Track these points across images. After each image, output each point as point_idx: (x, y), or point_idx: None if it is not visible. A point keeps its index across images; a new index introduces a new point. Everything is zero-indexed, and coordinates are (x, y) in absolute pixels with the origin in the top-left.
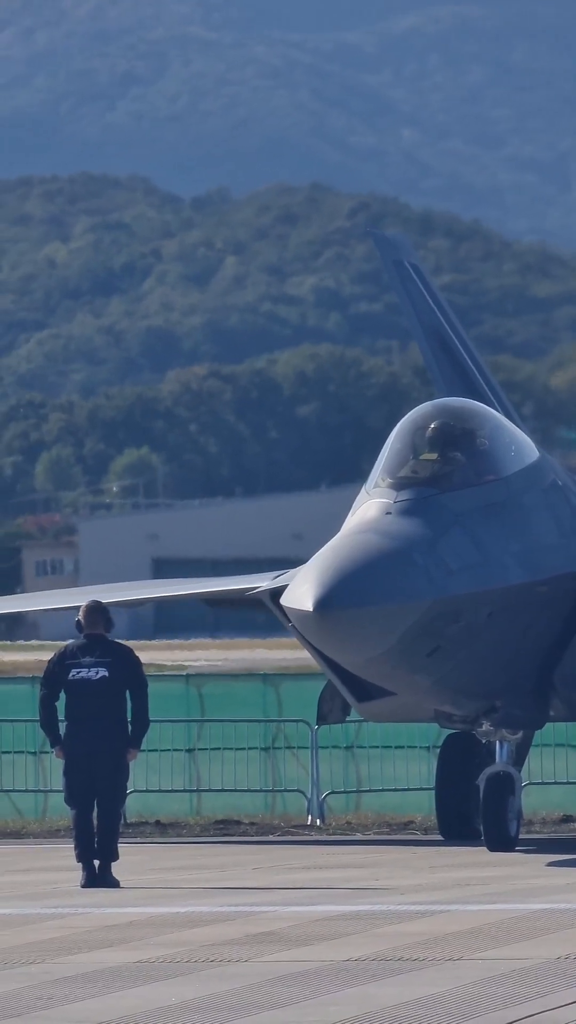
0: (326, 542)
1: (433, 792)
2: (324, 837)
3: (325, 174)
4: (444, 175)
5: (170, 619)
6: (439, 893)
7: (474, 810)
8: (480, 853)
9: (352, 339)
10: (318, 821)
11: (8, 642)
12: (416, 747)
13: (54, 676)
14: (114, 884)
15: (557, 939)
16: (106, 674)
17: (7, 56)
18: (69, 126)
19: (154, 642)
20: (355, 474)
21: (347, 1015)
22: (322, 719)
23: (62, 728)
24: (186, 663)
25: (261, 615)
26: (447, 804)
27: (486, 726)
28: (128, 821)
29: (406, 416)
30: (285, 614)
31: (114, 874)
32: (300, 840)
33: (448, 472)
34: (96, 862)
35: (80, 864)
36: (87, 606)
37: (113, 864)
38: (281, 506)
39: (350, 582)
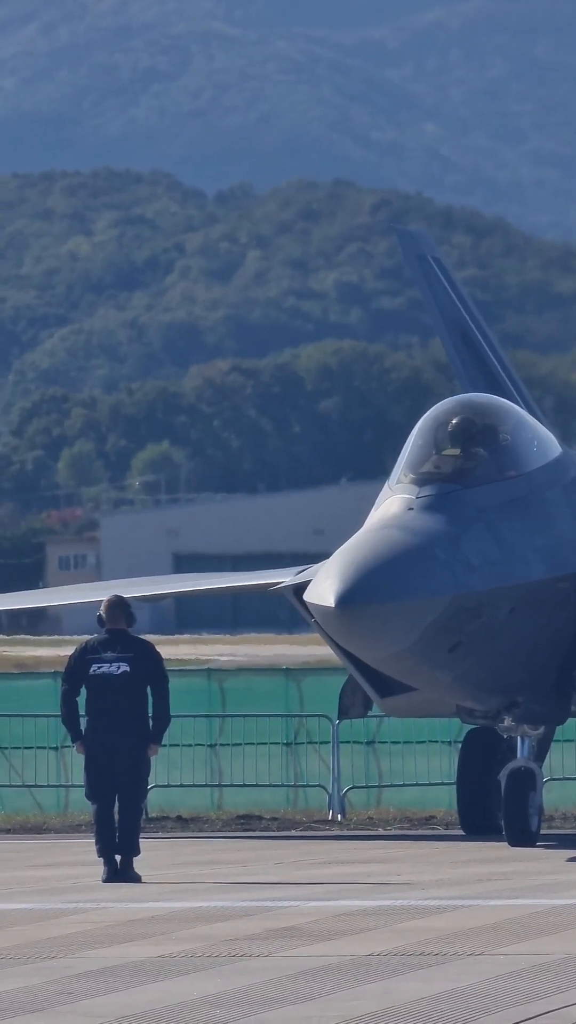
0: (347, 537)
1: (454, 787)
2: (345, 832)
3: (347, 169)
4: (466, 170)
5: (192, 614)
6: (460, 888)
7: (495, 805)
8: (501, 848)
9: (374, 334)
10: (339, 816)
11: (30, 636)
12: (437, 742)
13: (75, 671)
14: (135, 879)
15: None
16: (127, 669)
17: (30, 51)
18: (91, 121)
19: (176, 637)
20: (377, 469)
21: (368, 1010)
22: (343, 714)
23: (83, 723)
24: (208, 658)
25: (283, 610)
26: (468, 799)
27: (507, 721)
28: (149, 816)
29: (428, 412)
30: (308, 610)
31: (135, 869)
32: (321, 835)
33: (470, 468)
34: (117, 857)
35: (101, 859)
36: (108, 601)
37: (135, 859)
38: (302, 501)
39: (372, 578)
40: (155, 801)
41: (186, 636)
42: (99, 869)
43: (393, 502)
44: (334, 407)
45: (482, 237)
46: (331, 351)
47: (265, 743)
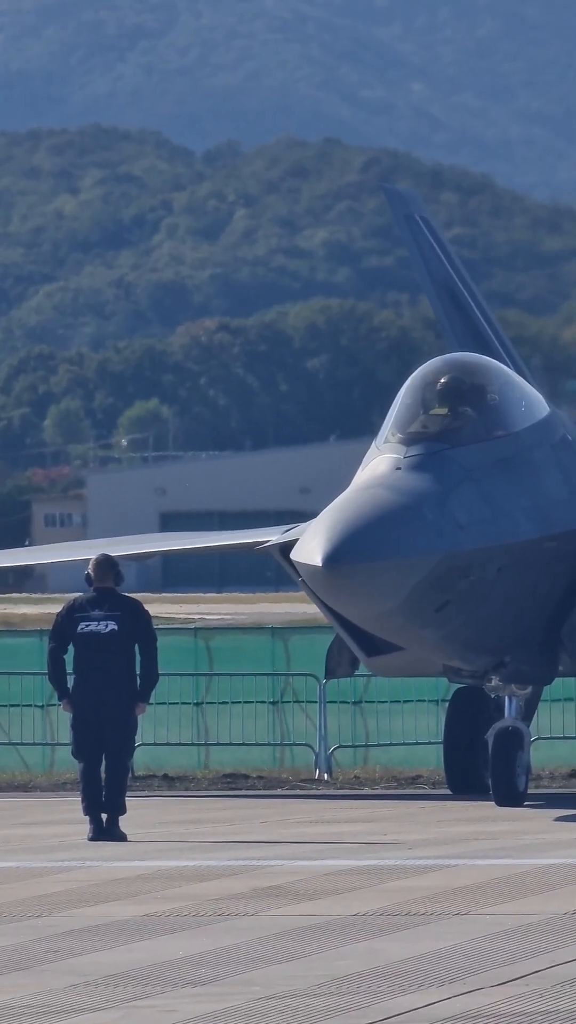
0: (334, 496)
1: (441, 746)
2: (332, 791)
3: (335, 128)
4: (455, 129)
5: (178, 572)
6: (447, 848)
7: (482, 765)
8: (488, 808)
9: (362, 293)
10: (326, 775)
11: (17, 594)
12: (424, 701)
13: (63, 629)
14: (121, 838)
15: (565, 894)
16: (115, 627)
17: (17, 8)
18: (79, 79)
19: (162, 595)
20: (364, 428)
21: (354, 969)
22: (330, 673)
23: (70, 681)
24: (194, 616)
25: (270, 569)
26: (455, 759)
27: (495, 681)
28: (136, 774)
29: (416, 371)
30: (295, 569)
31: (121, 828)
32: (308, 794)
33: (458, 427)
34: (103, 815)
35: (87, 817)
36: (96, 560)
37: (121, 818)
38: (290, 459)
39: (360, 537)
40: (141, 760)
41: (173, 594)
42: (85, 827)
43: (381, 461)
44: (322, 365)
45: (470, 196)
46: (319, 309)
47: (252, 702)
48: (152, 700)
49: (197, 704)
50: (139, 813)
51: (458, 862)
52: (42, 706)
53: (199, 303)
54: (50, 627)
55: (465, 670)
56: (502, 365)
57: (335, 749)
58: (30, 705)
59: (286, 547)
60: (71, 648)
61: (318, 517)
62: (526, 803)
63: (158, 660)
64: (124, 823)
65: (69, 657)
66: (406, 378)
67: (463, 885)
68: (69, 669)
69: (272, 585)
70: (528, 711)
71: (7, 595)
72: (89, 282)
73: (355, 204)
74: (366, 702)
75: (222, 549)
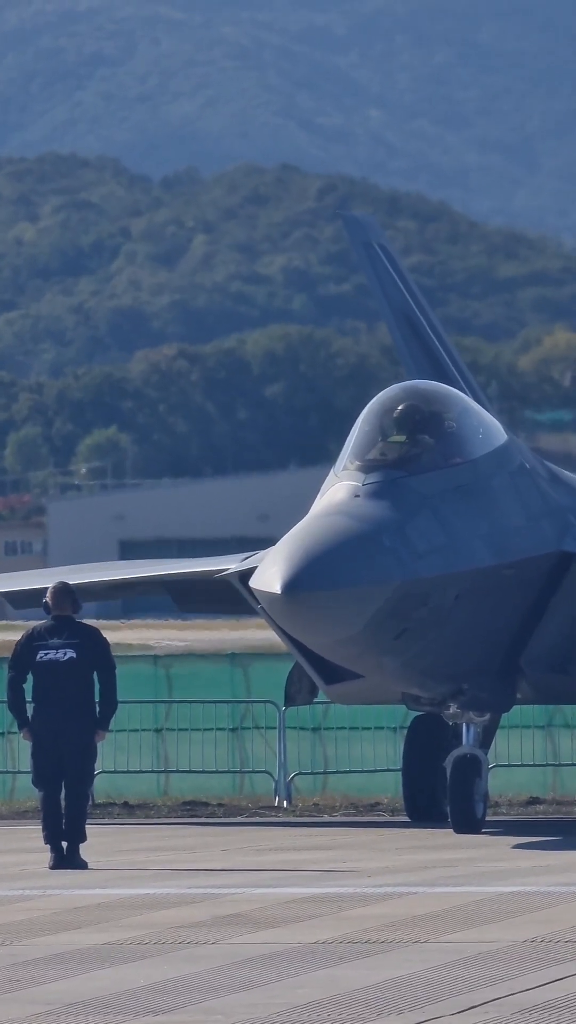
0: (293, 523)
1: (400, 773)
2: (291, 819)
3: (293, 155)
4: (411, 156)
5: (137, 600)
6: (406, 875)
7: (441, 792)
8: (447, 835)
9: (320, 320)
10: (285, 803)
11: None
12: (383, 728)
13: (22, 658)
14: (82, 866)
15: (524, 922)
16: (74, 655)
17: None
18: (37, 106)
19: (121, 623)
20: (323, 455)
21: (314, 997)
22: (290, 701)
23: (30, 710)
24: (154, 643)
25: (228, 597)
26: (414, 786)
27: (453, 708)
28: (96, 802)
29: (374, 398)
30: (254, 596)
31: (82, 855)
32: (267, 822)
33: (416, 455)
34: (64, 843)
35: (48, 846)
36: (54, 588)
37: (81, 845)
38: (248, 486)
39: (318, 565)
40: (101, 787)
41: (132, 621)
42: (45, 856)
43: (339, 489)
44: (280, 392)
45: (427, 222)
46: (277, 336)
47: (211, 729)
48: (112, 727)
49: (157, 731)
50: (99, 841)
51: (417, 890)
52: (2, 734)
53: (157, 329)
54: (9, 655)
55: (424, 697)
56: (460, 392)
57: (295, 776)
58: None
59: (245, 575)
60: (30, 677)
61: (277, 544)
62: (484, 830)
63: (117, 687)
64: (85, 851)
65: (28, 686)
66: (364, 405)
67: (422, 913)
68: (28, 697)
69: (231, 613)
70: (486, 738)
71: None
72: (48, 309)
73: (312, 231)
74: (325, 729)
75: (181, 576)
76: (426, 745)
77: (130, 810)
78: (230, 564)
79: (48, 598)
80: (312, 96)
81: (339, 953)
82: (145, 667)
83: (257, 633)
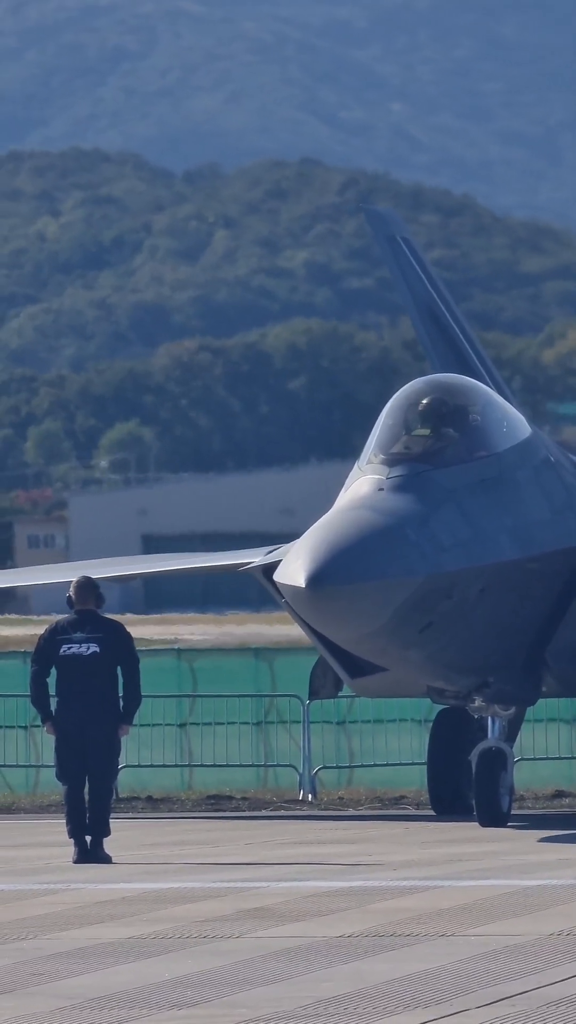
0: (317, 517)
1: (425, 767)
2: (316, 812)
3: (315, 149)
4: (434, 150)
5: (161, 594)
6: (431, 869)
7: (466, 785)
8: (472, 828)
9: (342, 314)
10: (310, 796)
11: None
12: (408, 721)
13: (45, 652)
14: (106, 860)
15: (550, 915)
16: (97, 650)
17: None
18: (59, 101)
19: (145, 616)
20: (345, 449)
21: (340, 991)
22: (314, 695)
23: (53, 704)
24: (177, 637)
25: (253, 590)
26: (439, 780)
27: (478, 702)
28: (120, 796)
29: (398, 392)
30: (278, 590)
31: (106, 850)
32: (292, 815)
33: (440, 448)
34: (88, 838)
35: (72, 840)
36: (78, 582)
37: (105, 840)
38: (271, 481)
39: (343, 558)
40: (125, 781)
41: (155, 616)
42: (69, 850)
43: (363, 483)
44: (302, 386)
45: (450, 217)
46: (300, 330)
47: (235, 723)
48: (135, 722)
49: (181, 725)
50: (123, 835)
51: (443, 883)
52: (25, 727)
53: (179, 324)
54: (33, 649)
55: (448, 691)
56: (484, 386)
57: (319, 770)
58: (13, 727)
59: (269, 568)
60: (54, 671)
61: (301, 538)
62: (510, 824)
63: (141, 681)
64: (108, 845)
65: (52, 680)
66: (387, 399)
67: (448, 906)
68: (52, 692)
69: (255, 606)
70: (511, 731)
71: None
72: (70, 304)
73: (335, 225)
74: (350, 722)
75: (205, 571)
76: (451, 738)
77: (154, 804)
78: (254, 558)
79: (71, 592)
80: (334, 90)
81: (364, 947)
82: (168, 661)
83: (281, 628)
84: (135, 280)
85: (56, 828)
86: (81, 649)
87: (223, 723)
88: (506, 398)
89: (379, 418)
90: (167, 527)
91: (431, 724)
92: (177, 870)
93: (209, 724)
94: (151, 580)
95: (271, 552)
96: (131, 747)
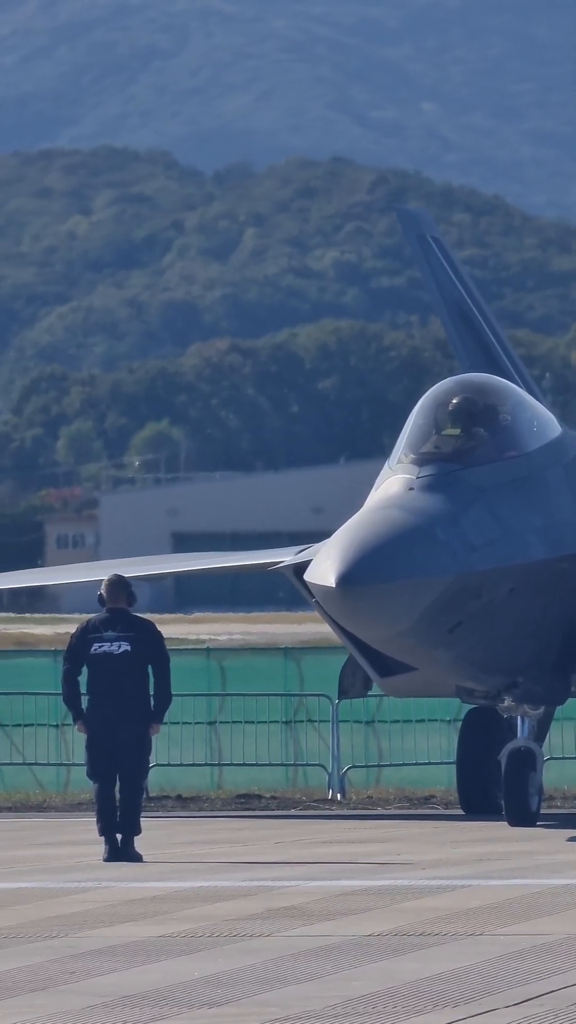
0: (346, 516)
1: (454, 766)
2: (345, 811)
3: (346, 148)
4: (465, 149)
5: (191, 593)
6: (460, 868)
7: (495, 785)
8: (501, 828)
9: (372, 314)
10: (339, 795)
11: (30, 615)
12: (437, 721)
13: (76, 650)
14: (137, 858)
15: None
16: (128, 648)
17: (29, 29)
18: (90, 99)
19: (175, 616)
20: (375, 448)
21: (369, 990)
22: (343, 694)
23: (84, 702)
24: (207, 637)
25: (283, 589)
26: (468, 779)
27: (508, 701)
28: (150, 795)
29: (428, 391)
30: (308, 589)
31: (136, 848)
32: (321, 814)
33: (471, 448)
34: (119, 836)
35: (103, 838)
36: (109, 580)
37: (136, 838)
38: (301, 480)
39: (373, 558)
40: (155, 780)
41: (186, 615)
42: (100, 848)
43: (393, 482)
44: (332, 386)
45: (481, 216)
46: (330, 330)
47: (265, 722)
48: (165, 720)
49: (210, 724)
50: (154, 834)
51: (472, 882)
52: (56, 726)
53: (209, 323)
54: (64, 647)
55: (478, 690)
56: (514, 385)
57: (348, 769)
58: (44, 725)
59: (299, 568)
60: (85, 669)
61: (331, 538)
62: (539, 823)
63: (171, 680)
64: (139, 843)
65: (83, 678)
66: (416, 399)
67: (477, 905)
68: (83, 690)
69: (285, 605)
70: (541, 731)
71: (21, 615)
72: (101, 302)
73: (365, 224)
74: (379, 722)
75: (235, 570)
76: (480, 738)
77: (184, 803)
78: (284, 557)
79: (103, 591)
80: (365, 89)
81: (394, 946)
82: (199, 660)
83: (311, 627)
84: (165, 279)
85: (87, 826)
86: (112, 648)
87: (252, 722)
88: (536, 397)
89: (409, 418)
90: (197, 526)
91: (460, 724)
92: (207, 869)
93: (239, 723)
94: (181, 579)
95: (301, 552)
96: (161, 746)
